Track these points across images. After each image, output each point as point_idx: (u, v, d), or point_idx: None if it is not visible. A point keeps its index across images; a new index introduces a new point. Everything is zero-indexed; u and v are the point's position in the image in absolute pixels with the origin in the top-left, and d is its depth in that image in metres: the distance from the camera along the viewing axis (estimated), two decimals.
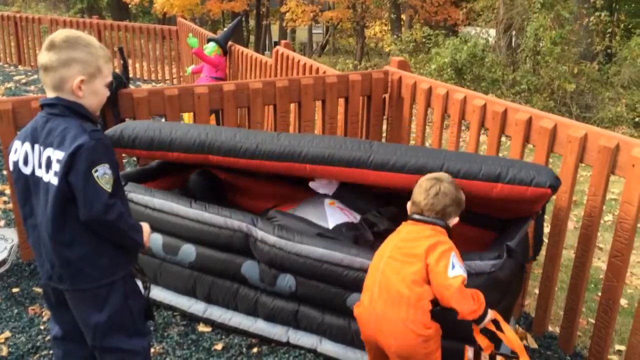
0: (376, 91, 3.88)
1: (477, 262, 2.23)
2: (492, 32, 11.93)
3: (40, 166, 1.79)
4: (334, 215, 2.71)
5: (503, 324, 2.08)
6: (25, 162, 1.82)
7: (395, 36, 14.08)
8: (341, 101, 3.87)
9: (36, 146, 1.79)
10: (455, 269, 1.99)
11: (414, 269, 2.02)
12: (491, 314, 2.08)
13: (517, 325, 2.91)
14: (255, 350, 2.61)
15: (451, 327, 2.08)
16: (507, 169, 2.30)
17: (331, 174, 2.52)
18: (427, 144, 3.78)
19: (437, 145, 3.47)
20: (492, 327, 2.10)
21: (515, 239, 2.32)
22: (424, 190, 2.14)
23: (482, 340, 2.11)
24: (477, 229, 2.82)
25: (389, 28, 16.67)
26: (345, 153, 2.45)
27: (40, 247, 1.84)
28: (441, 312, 2.05)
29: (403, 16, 16.37)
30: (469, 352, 2.16)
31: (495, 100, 3.11)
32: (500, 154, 3.06)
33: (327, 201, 2.79)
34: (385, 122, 3.98)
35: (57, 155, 1.73)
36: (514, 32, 11.24)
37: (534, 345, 2.77)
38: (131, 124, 2.85)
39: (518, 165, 2.33)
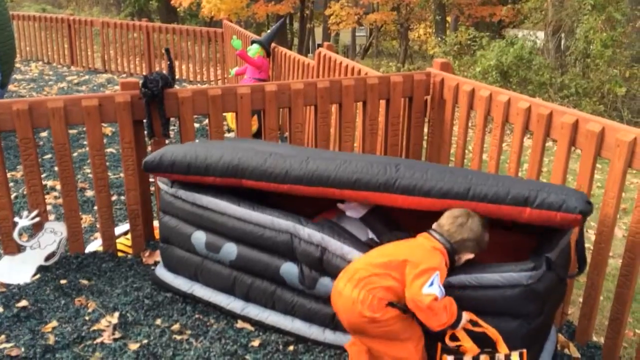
0: (418, 93, 3.85)
1: (512, 274, 2.17)
2: (540, 34, 11.66)
3: None
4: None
5: (478, 319, 2.17)
6: None
7: (439, 38, 13.93)
8: (382, 103, 3.86)
9: None
10: (431, 287, 2.07)
11: (384, 260, 2.17)
12: (466, 315, 2.18)
13: (558, 334, 2.83)
14: (291, 348, 2.63)
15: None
16: (536, 193, 2.24)
17: (359, 198, 2.54)
18: (469, 148, 3.72)
19: (479, 148, 3.41)
20: (469, 326, 2.17)
21: (555, 251, 2.25)
22: (453, 217, 2.27)
23: (466, 342, 2.15)
24: (515, 234, 2.75)
25: (434, 30, 16.50)
26: (372, 177, 2.44)
27: None
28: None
29: (448, 18, 16.18)
30: None
31: (541, 102, 3.04)
32: (546, 159, 2.99)
33: None
34: (426, 124, 3.95)
35: None
36: (562, 35, 10.96)
37: (577, 355, 2.69)
38: (170, 148, 2.88)
39: (547, 189, 2.26)
